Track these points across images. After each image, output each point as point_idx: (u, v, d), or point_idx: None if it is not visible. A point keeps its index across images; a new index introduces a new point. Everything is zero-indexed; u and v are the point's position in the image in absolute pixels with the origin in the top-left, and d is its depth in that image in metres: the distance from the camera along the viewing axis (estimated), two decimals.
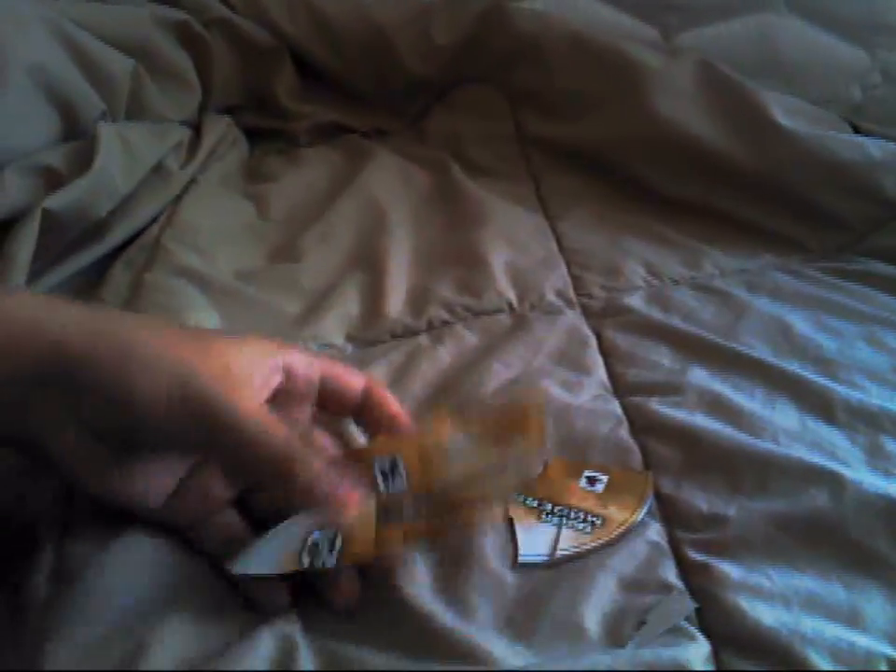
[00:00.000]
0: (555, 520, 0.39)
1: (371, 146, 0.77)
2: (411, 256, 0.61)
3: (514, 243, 0.61)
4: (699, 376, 0.47)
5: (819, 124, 0.63)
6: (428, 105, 0.81)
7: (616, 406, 0.46)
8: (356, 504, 0.35)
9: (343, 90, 0.83)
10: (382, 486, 0.38)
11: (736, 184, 0.62)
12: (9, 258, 0.54)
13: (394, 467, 0.38)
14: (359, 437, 0.43)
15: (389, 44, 0.79)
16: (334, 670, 0.34)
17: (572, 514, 0.40)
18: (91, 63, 0.66)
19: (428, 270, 0.59)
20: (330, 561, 0.35)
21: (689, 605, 0.35)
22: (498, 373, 0.49)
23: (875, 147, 0.59)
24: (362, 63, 0.81)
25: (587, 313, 0.54)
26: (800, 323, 0.51)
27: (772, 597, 0.35)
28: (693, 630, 0.34)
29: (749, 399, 0.45)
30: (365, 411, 0.40)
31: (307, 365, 0.38)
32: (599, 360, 0.50)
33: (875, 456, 0.41)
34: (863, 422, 0.43)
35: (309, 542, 0.35)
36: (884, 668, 0.32)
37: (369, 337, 0.54)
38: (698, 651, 0.33)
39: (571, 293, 0.56)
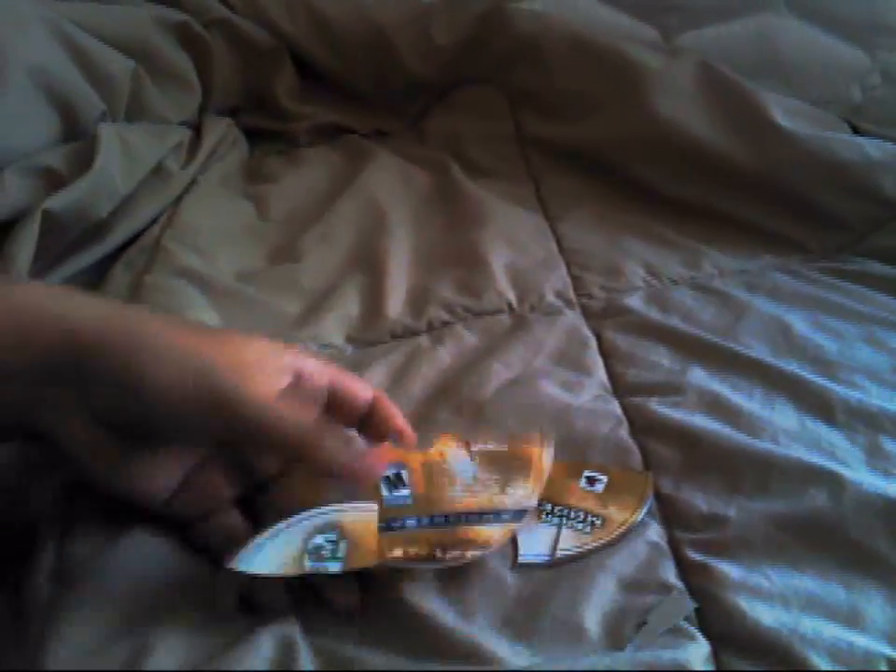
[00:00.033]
0: (555, 520, 0.39)
1: (370, 146, 0.77)
2: (411, 256, 0.61)
3: (514, 243, 0.61)
4: (699, 376, 0.47)
5: (819, 125, 0.63)
6: (428, 106, 0.81)
7: (616, 406, 0.46)
8: (376, 474, 0.36)
9: (342, 90, 0.83)
10: (386, 494, 0.38)
11: (736, 184, 0.62)
12: (10, 258, 0.54)
13: (398, 476, 0.38)
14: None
15: (389, 44, 0.79)
16: (335, 670, 0.34)
17: (572, 514, 0.40)
18: (92, 64, 0.66)
19: (428, 270, 0.59)
20: (335, 567, 0.35)
21: (689, 605, 0.35)
22: (498, 374, 0.49)
23: (874, 148, 0.59)
24: (362, 63, 0.81)
25: (587, 313, 0.54)
26: (799, 323, 0.51)
27: (771, 597, 0.35)
28: (693, 630, 0.34)
29: (748, 400, 0.45)
30: (370, 422, 0.40)
31: (317, 370, 0.39)
32: (599, 361, 0.50)
33: (875, 456, 0.41)
34: (863, 422, 0.43)
35: (310, 545, 0.35)
36: (884, 668, 0.32)
37: (369, 338, 0.54)
38: (698, 651, 0.33)
39: (571, 294, 0.56)
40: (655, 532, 0.39)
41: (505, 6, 0.76)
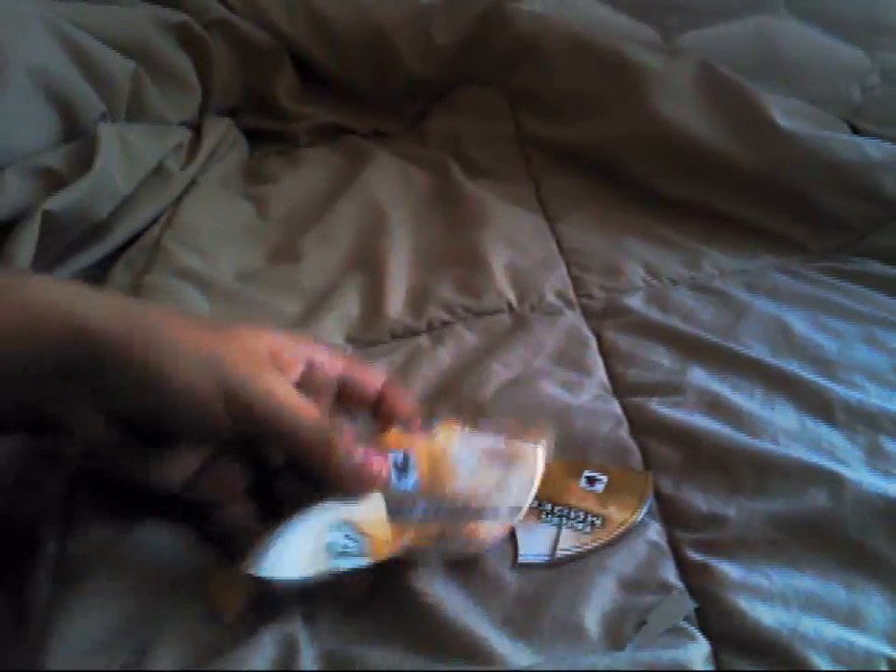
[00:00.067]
0: (555, 520, 0.39)
1: (370, 147, 0.77)
2: (411, 256, 0.61)
3: (514, 243, 0.61)
4: (699, 376, 0.47)
5: (819, 125, 0.63)
6: (428, 106, 0.81)
7: (616, 406, 0.46)
8: (385, 476, 0.36)
9: (342, 91, 0.83)
10: (394, 480, 0.38)
11: (736, 184, 0.62)
12: (10, 259, 0.54)
13: (406, 462, 0.38)
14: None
15: (389, 44, 0.79)
16: (336, 671, 0.34)
17: (572, 514, 0.40)
18: (92, 65, 0.66)
19: (428, 270, 0.59)
20: (363, 562, 0.34)
21: (689, 605, 0.35)
22: (498, 374, 0.49)
23: (874, 148, 0.59)
24: (362, 63, 0.81)
25: (587, 313, 0.54)
26: (799, 323, 0.51)
27: (772, 597, 0.35)
28: (693, 630, 0.34)
29: (748, 400, 0.45)
30: (380, 408, 0.40)
31: (327, 360, 0.39)
32: (599, 361, 0.50)
33: (875, 456, 0.41)
34: (863, 422, 0.43)
35: (329, 542, 0.34)
36: (884, 668, 0.32)
37: (369, 338, 0.54)
38: (698, 651, 0.33)
39: (571, 294, 0.56)
40: (655, 532, 0.39)
41: (505, 6, 0.76)
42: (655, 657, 0.33)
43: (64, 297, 0.35)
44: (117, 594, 0.36)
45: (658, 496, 0.41)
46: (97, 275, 0.60)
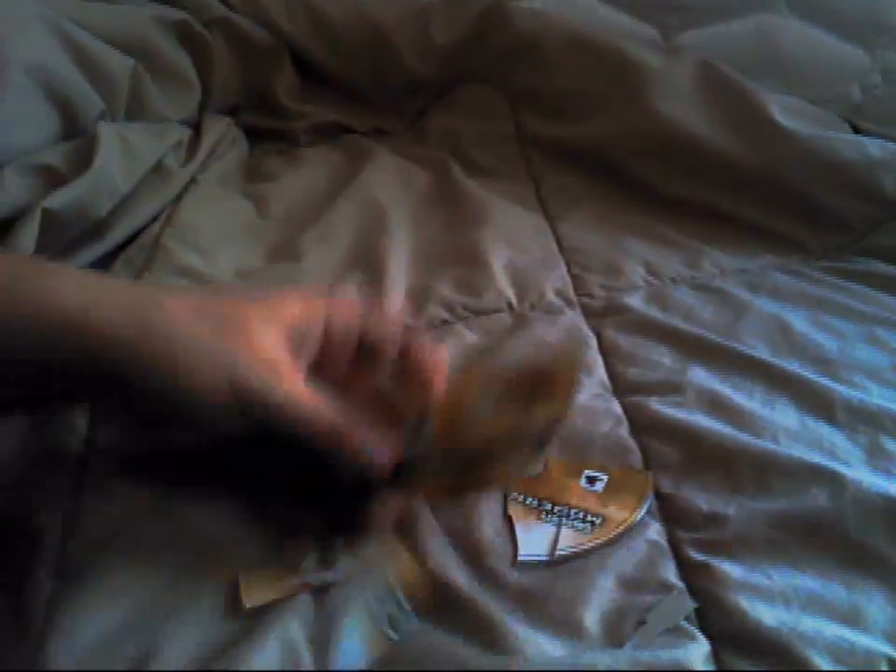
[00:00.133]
0: (555, 519, 0.39)
1: (370, 145, 0.76)
2: (410, 256, 0.61)
3: (514, 243, 0.61)
4: (699, 376, 0.47)
5: (819, 124, 0.63)
6: (428, 105, 0.81)
7: (616, 405, 0.46)
8: (393, 464, 0.37)
9: (342, 89, 0.83)
10: (408, 444, 0.38)
11: (737, 183, 0.62)
12: None
13: (421, 424, 0.38)
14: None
15: (388, 43, 0.79)
16: (339, 669, 0.34)
17: (572, 514, 0.40)
18: (91, 63, 0.66)
19: (428, 269, 0.59)
20: (413, 622, 0.35)
21: (689, 605, 0.35)
22: None
23: (874, 147, 0.59)
24: (361, 61, 0.81)
25: (587, 312, 0.54)
26: (800, 323, 0.51)
27: (772, 597, 0.35)
28: (693, 630, 0.34)
29: (748, 399, 0.45)
30: (404, 363, 0.40)
31: (346, 318, 0.39)
32: (599, 360, 0.50)
33: (876, 456, 0.41)
34: (863, 421, 0.43)
35: (381, 616, 0.35)
36: (884, 668, 0.32)
37: None
38: (698, 650, 0.33)
39: (571, 293, 0.56)
40: (655, 531, 0.39)
41: (505, 4, 0.76)
42: (655, 657, 0.33)
43: (76, 300, 0.35)
44: (117, 593, 0.36)
45: (658, 495, 0.41)
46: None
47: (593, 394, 0.47)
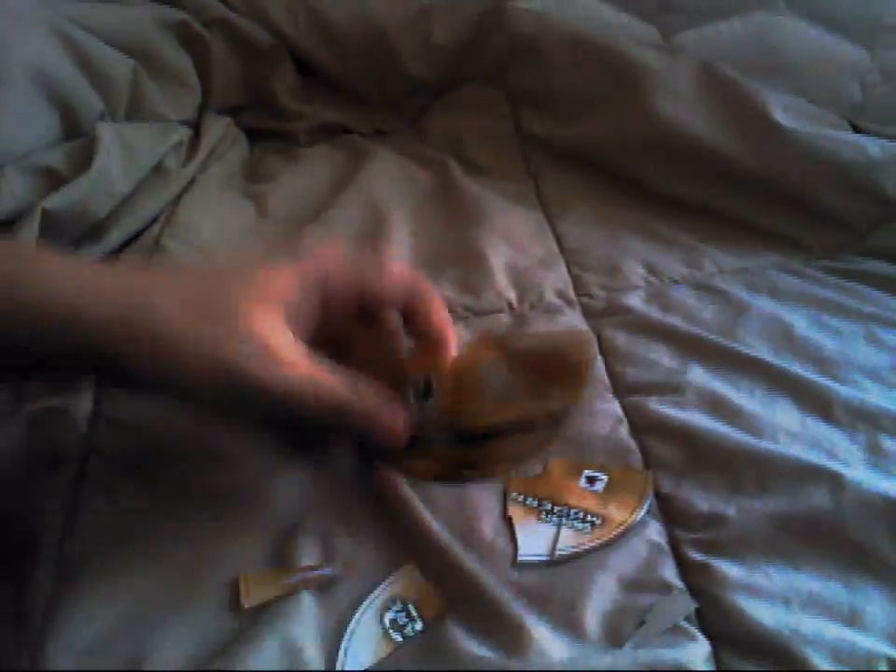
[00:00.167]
0: (555, 519, 0.39)
1: (370, 145, 0.76)
2: (410, 255, 0.61)
3: (514, 242, 0.61)
4: (699, 375, 0.47)
5: (819, 123, 0.63)
6: (428, 105, 0.81)
7: (616, 405, 0.46)
8: (405, 433, 0.37)
9: (342, 90, 0.83)
10: (413, 403, 0.37)
11: (736, 184, 0.62)
12: None
13: (427, 385, 0.37)
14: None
15: (389, 44, 0.79)
16: (341, 670, 0.34)
17: (572, 514, 0.40)
18: (91, 64, 0.66)
19: (428, 269, 0.59)
20: (418, 626, 0.35)
21: (689, 605, 0.35)
22: None
23: (874, 147, 0.59)
24: (362, 63, 0.81)
25: (587, 312, 0.54)
26: (800, 322, 0.51)
27: (772, 597, 0.35)
28: (693, 630, 0.34)
29: (748, 399, 0.45)
30: (411, 318, 0.39)
31: (343, 286, 0.38)
32: (599, 360, 0.50)
33: (875, 455, 0.41)
34: (863, 421, 0.43)
35: (386, 623, 0.35)
36: (884, 668, 0.32)
37: None
38: (698, 651, 0.33)
39: (571, 293, 0.56)
40: (655, 531, 0.39)
41: (504, 5, 0.76)
42: (655, 657, 0.33)
43: (66, 293, 0.35)
44: (116, 593, 0.36)
45: (658, 495, 0.41)
46: None
47: (593, 394, 0.47)
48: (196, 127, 0.76)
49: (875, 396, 0.45)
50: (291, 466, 0.42)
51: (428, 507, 0.39)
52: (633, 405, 0.46)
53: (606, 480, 0.41)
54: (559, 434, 0.38)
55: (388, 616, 0.35)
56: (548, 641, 0.34)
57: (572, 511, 0.40)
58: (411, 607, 0.36)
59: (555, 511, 0.40)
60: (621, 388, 0.48)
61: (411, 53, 0.79)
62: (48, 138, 0.64)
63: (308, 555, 0.38)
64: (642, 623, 0.35)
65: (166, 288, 0.36)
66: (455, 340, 0.39)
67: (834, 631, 0.33)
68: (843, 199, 0.59)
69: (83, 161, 0.61)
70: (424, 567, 0.37)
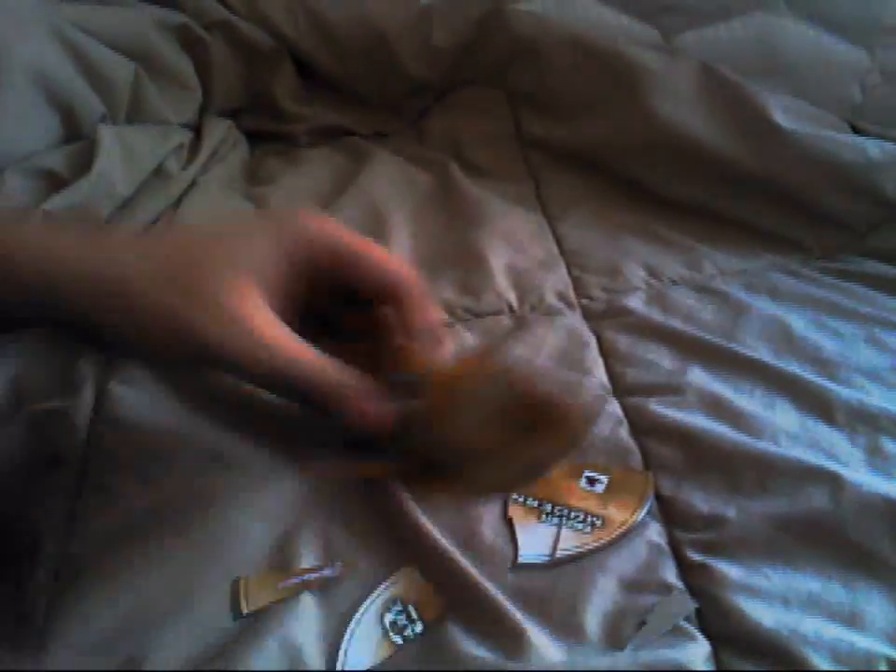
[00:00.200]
0: (555, 520, 0.39)
1: (370, 147, 0.77)
2: (410, 257, 0.61)
3: (514, 244, 0.61)
4: (699, 377, 0.47)
5: (819, 124, 0.63)
6: (428, 106, 0.81)
7: (616, 407, 0.46)
8: (379, 419, 0.37)
9: (343, 92, 0.83)
10: (394, 399, 0.37)
11: (736, 184, 0.62)
12: None
13: (412, 386, 0.37)
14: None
15: (389, 47, 0.79)
16: (343, 670, 0.34)
17: (572, 514, 0.40)
18: (92, 66, 0.66)
19: (428, 271, 0.59)
20: (419, 628, 0.35)
21: (689, 605, 0.35)
22: None
23: (874, 148, 0.59)
24: (362, 65, 0.81)
25: (587, 314, 0.54)
26: (799, 323, 0.51)
27: (772, 598, 0.35)
28: (693, 630, 0.34)
29: (748, 400, 0.45)
30: (398, 308, 0.39)
31: (328, 259, 0.38)
32: (599, 361, 0.50)
33: (875, 457, 0.41)
34: (863, 422, 0.43)
35: (386, 624, 0.35)
36: (884, 668, 0.32)
37: None
38: (698, 651, 0.33)
39: (571, 294, 0.56)
40: (655, 532, 0.39)
41: (504, 7, 0.76)
42: (655, 657, 0.33)
43: (39, 262, 0.35)
44: (117, 593, 0.36)
45: (658, 496, 0.41)
46: None
47: (593, 395, 0.47)
48: (197, 129, 0.76)
49: (875, 397, 0.45)
50: (291, 466, 0.42)
51: (428, 508, 0.39)
52: (633, 406, 0.46)
53: (606, 481, 0.41)
54: (531, 481, 0.38)
55: (388, 617, 0.35)
56: (548, 643, 0.34)
57: (573, 511, 0.40)
58: (411, 608, 0.36)
59: (556, 511, 0.40)
60: (621, 389, 0.48)
61: (411, 55, 0.79)
62: (48, 140, 0.64)
63: (308, 556, 0.38)
64: (643, 623, 0.35)
65: (139, 260, 0.36)
66: (449, 343, 0.40)
67: (834, 631, 0.33)
68: (843, 200, 0.59)
69: (84, 163, 0.61)
70: (424, 569, 0.37)
